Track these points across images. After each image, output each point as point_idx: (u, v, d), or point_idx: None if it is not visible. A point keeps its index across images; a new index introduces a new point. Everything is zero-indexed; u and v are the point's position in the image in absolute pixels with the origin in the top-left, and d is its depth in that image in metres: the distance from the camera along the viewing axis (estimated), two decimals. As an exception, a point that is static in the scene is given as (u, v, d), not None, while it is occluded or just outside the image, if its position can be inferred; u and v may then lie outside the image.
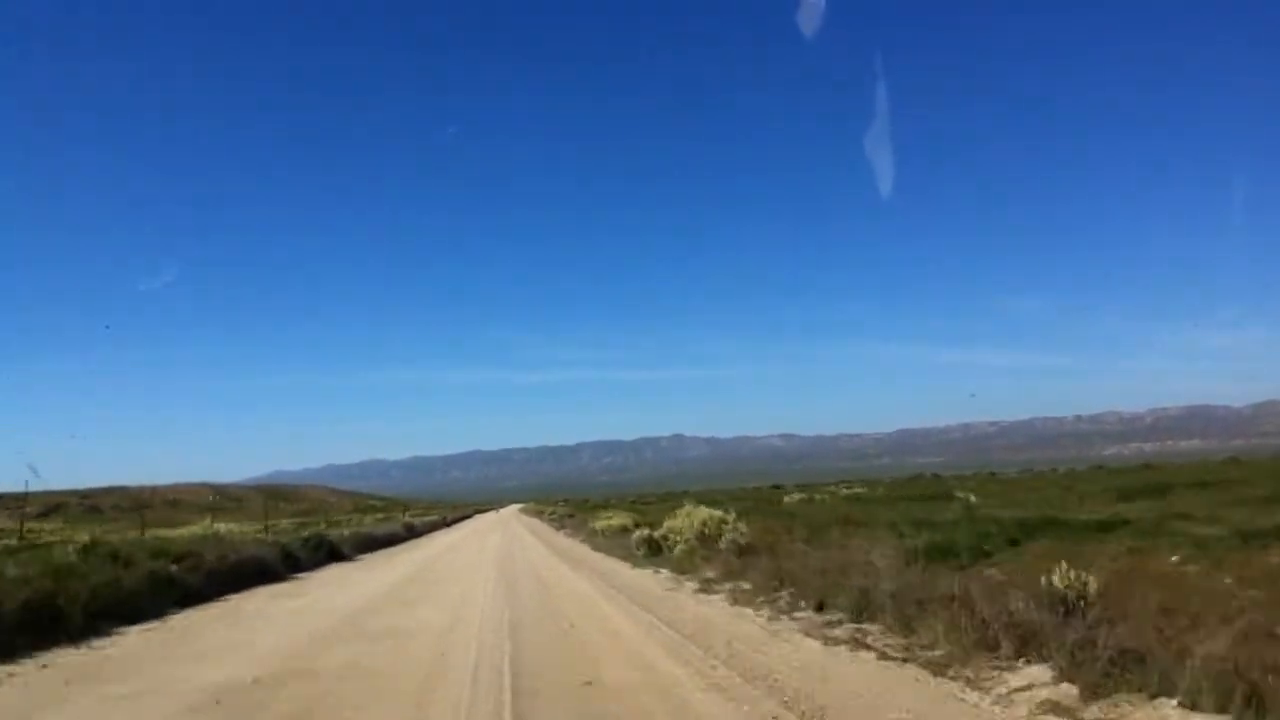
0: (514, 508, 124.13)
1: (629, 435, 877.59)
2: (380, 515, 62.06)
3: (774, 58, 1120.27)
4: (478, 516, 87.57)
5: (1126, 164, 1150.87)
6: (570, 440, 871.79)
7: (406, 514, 66.04)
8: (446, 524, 61.75)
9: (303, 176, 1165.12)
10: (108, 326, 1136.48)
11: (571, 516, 51.99)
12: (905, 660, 7.84)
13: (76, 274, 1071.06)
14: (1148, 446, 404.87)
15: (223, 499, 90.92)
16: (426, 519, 58.51)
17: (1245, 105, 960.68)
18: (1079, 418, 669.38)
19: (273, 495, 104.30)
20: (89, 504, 68.43)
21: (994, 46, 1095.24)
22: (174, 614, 13.54)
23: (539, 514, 73.56)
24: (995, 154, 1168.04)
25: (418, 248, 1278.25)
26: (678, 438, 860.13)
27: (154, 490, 71.18)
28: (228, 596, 15.96)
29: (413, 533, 44.28)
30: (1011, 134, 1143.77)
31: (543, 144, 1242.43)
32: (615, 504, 63.35)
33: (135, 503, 61.06)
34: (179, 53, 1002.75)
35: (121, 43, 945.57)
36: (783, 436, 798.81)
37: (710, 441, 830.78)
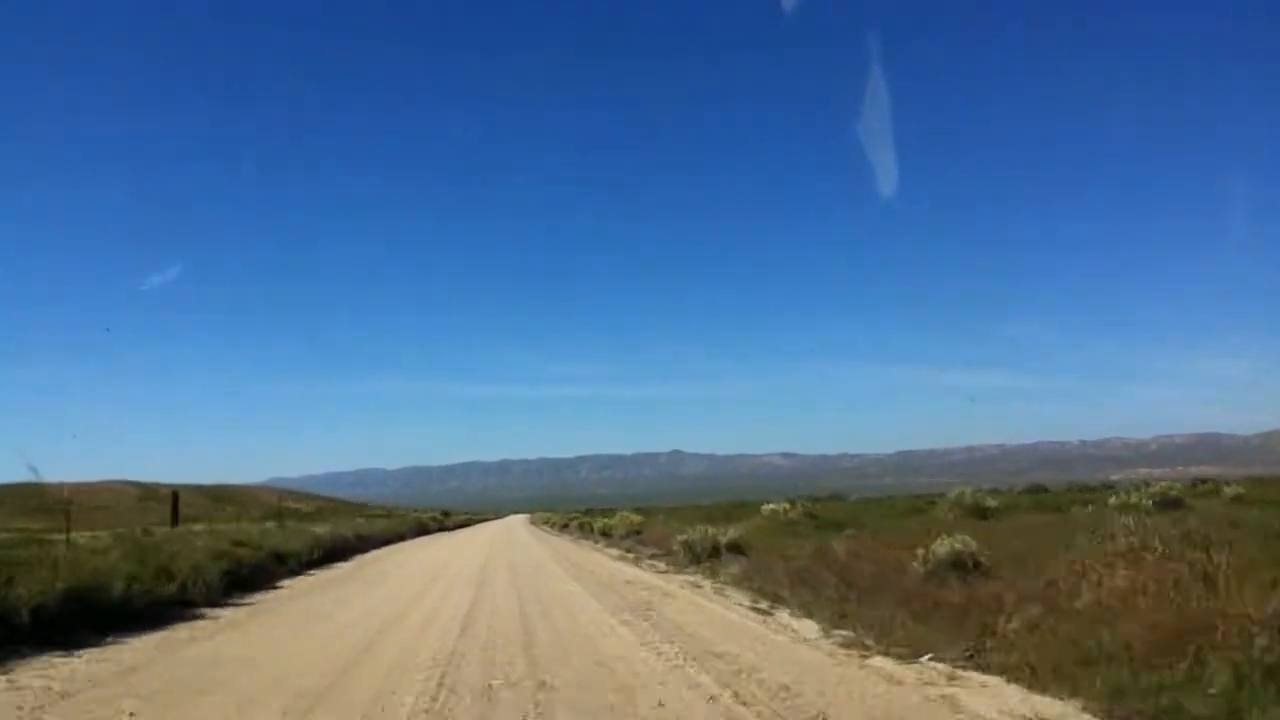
0: (519, 518, 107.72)
1: (628, 450, 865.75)
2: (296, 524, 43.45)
3: (776, 62, 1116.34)
4: (440, 538, 49.18)
5: (1132, 187, 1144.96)
6: (569, 454, 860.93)
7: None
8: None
9: (304, 182, 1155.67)
10: (108, 328, 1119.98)
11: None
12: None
13: (74, 273, 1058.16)
14: (1156, 472, 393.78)
15: (151, 499, 79.38)
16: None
17: (1255, 128, 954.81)
18: (1084, 442, 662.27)
19: (217, 498, 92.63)
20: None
21: (994, 49, 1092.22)
22: None
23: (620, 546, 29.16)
24: (999, 171, 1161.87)
25: (422, 260, 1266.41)
26: (676, 454, 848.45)
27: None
28: None
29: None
30: (1015, 152, 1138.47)
31: (541, 154, 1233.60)
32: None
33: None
34: (183, 48, 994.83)
35: (124, 37, 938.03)
36: (784, 455, 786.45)
37: (709, 458, 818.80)
